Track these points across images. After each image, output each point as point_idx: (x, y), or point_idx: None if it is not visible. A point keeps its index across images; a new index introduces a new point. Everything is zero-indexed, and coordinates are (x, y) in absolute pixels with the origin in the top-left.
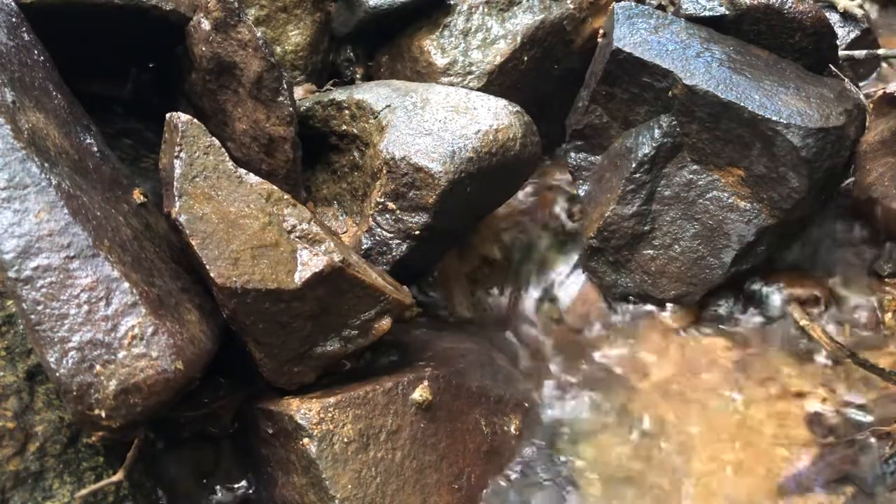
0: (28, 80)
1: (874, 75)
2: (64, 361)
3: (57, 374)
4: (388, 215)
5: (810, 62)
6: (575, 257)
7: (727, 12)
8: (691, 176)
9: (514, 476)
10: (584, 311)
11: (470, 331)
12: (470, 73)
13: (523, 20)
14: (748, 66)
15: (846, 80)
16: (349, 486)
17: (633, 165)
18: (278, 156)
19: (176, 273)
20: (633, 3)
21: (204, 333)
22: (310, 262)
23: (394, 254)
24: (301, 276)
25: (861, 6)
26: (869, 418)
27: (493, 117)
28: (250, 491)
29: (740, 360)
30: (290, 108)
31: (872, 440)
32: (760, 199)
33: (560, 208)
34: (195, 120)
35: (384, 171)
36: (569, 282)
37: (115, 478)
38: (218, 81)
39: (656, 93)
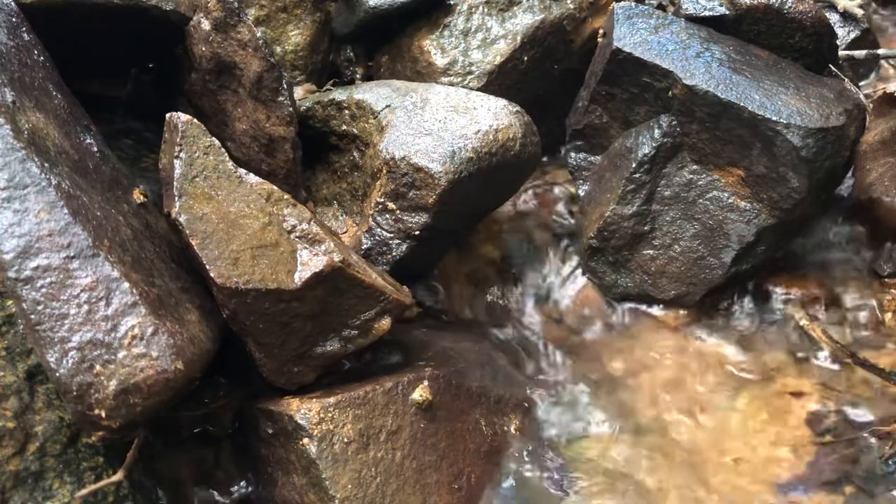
0: (28, 80)
1: (874, 75)
2: (64, 361)
3: (57, 374)
4: (388, 215)
5: (810, 62)
6: (575, 257)
7: (727, 12)
8: (691, 176)
9: (514, 476)
10: (584, 311)
11: (470, 331)
12: (470, 73)
13: (523, 20)
14: (748, 66)
15: (846, 80)
16: (349, 486)
17: (633, 165)
18: (278, 156)
19: (176, 273)
20: (633, 3)
21: (204, 333)
22: (310, 262)
23: (394, 254)
24: (301, 276)
25: (861, 6)
26: (869, 418)
27: (493, 117)
28: (250, 491)
29: (740, 360)
30: (290, 108)
31: (872, 440)
32: (760, 199)
33: (560, 208)
34: (195, 120)
35: (384, 171)
36: (569, 282)
37: (115, 478)
38: (218, 81)
39: (656, 93)
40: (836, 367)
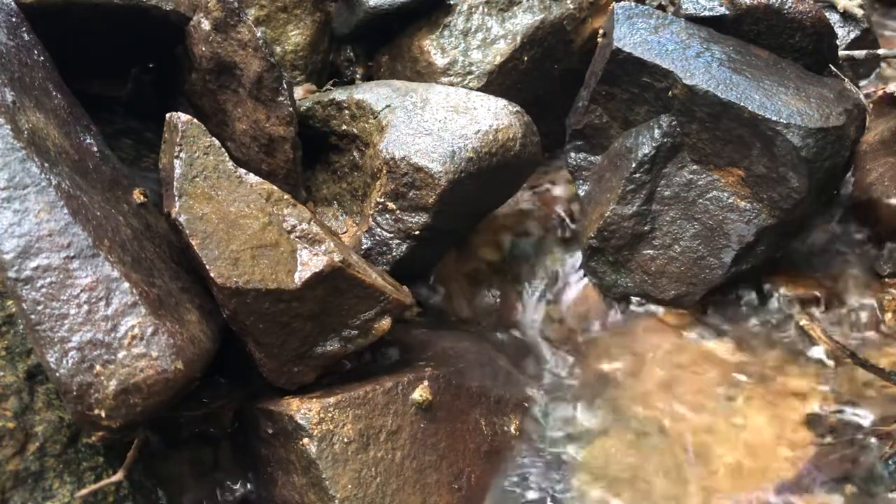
0: (28, 80)
1: (874, 75)
2: (64, 361)
3: (57, 374)
4: (388, 215)
5: (810, 62)
6: (575, 257)
7: (727, 12)
8: (691, 176)
9: (513, 476)
10: (584, 311)
11: (470, 331)
12: (470, 73)
13: (523, 20)
14: (748, 66)
15: (846, 80)
16: (349, 486)
17: (633, 165)
18: (278, 156)
19: (176, 273)
20: (633, 3)
21: (204, 333)
22: (310, 262)
23: (394, 254)
24: (301, 276)
25: (861, 6)
26: (869, 418)
27: (493, 117)
28: (250, 491)
29: (740, 360)
30: (290, 108)
31: (872, 440)
32: (760, 199)
33: (560, 208)
34: (195, 120)
35: (384, 171)
36: (569, 282)
37: (115, 478)
38: (218, 81)
39: (656, 93)
40: (836, 367)
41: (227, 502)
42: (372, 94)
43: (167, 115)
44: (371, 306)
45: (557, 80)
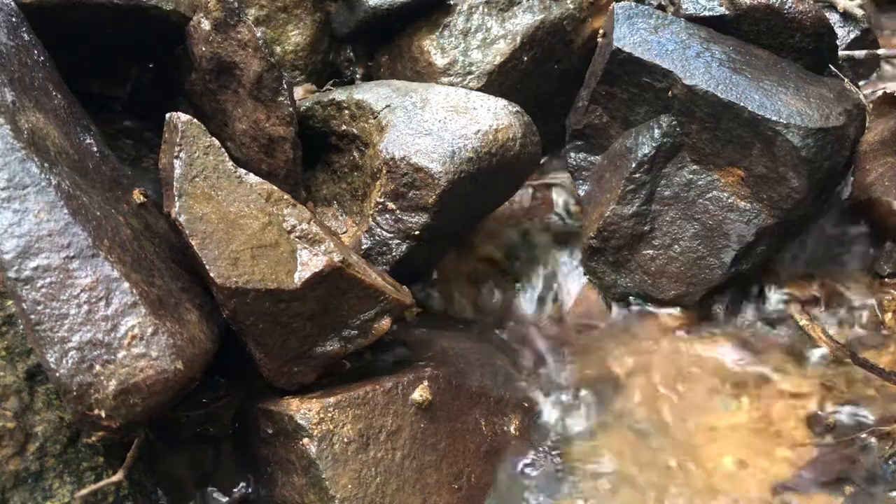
0: (28, 80)
1: (874, 75)
2: (64, 361)
3: (57, 374)
4: (387, 215)
5: (810, 62)
6: (575, 257)
7: (727, 12)
8: (691, 176)
9: (513, 476)
10: (583, 311)
11: (470, 331)
12: (470, 73)
13: (523, 20)
14: (748, 66)
15: (846, 80)
16: (349, 486)
17: (633, 165)
18: (278, 156)
19: (176, 273)
20: (633, 3)
21: (204, 333)
22: (310, 262)
23: (394, 254)
24: (301, 276)
25: (861, 6)
26: (869, 418)
27: (492, 117)
28: (250, 491)
29: (740, 359)
30: (290, 108)
31: (872, 440)
32: (760, 199)
33: (560, 208)
34: (195, 120)
35: (384, 171)
36: (569, 282)
37: (115, 478)
38: (218, 81)
39: (656, 93)
40: (836, 367)
41: (226, 502)
42: (372, 94)
43: (167, 115)
44: (371, 306)
45: (557, 80)
